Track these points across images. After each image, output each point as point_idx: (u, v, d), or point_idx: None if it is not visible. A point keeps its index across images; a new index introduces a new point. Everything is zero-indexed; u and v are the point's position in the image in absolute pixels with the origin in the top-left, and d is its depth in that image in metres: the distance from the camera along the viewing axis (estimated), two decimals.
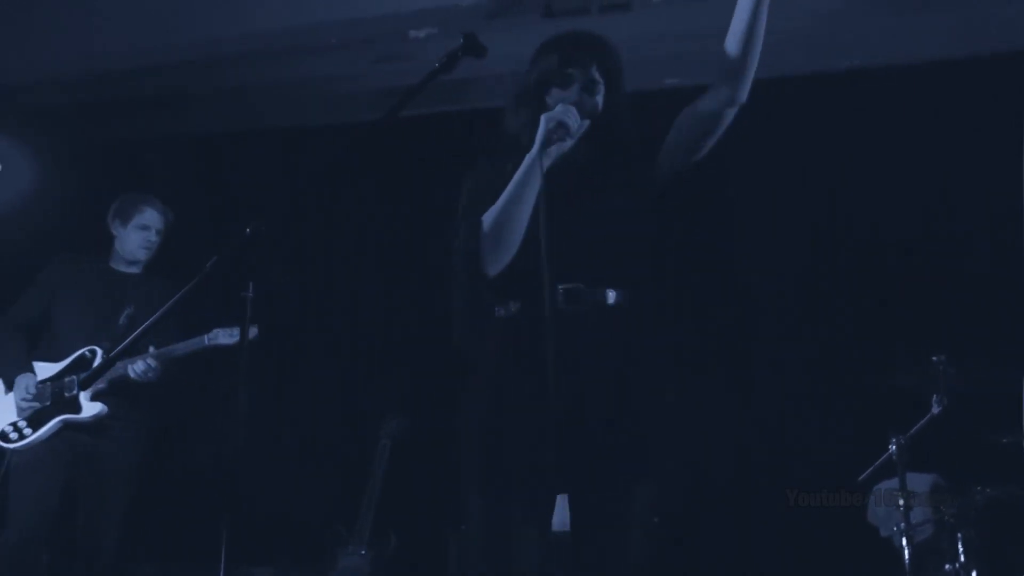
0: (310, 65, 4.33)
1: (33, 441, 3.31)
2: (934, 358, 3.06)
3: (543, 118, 1.85)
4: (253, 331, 3.30)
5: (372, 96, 4.27)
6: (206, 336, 3.32)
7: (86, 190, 4.88)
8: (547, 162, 1.84)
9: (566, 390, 1.78)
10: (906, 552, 2.97)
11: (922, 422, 3.09)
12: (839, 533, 3.46)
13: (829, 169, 4.10)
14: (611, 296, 1.90)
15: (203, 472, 4.21)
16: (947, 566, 2.99)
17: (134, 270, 3.56)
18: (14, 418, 3.34)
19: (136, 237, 3.52)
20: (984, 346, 3.52)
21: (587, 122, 1.90)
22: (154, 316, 1.77)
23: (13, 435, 3.32)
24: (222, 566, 1.71)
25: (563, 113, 1.84)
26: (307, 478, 4.48)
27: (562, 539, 1.77)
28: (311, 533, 4.11)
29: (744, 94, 1.91)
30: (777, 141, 4.12)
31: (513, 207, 1.86)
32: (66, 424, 3.33)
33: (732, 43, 1.87)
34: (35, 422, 3.32)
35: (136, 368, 3.27)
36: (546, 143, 1.83)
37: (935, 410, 3.06)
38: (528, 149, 1.87)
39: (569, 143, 1.87)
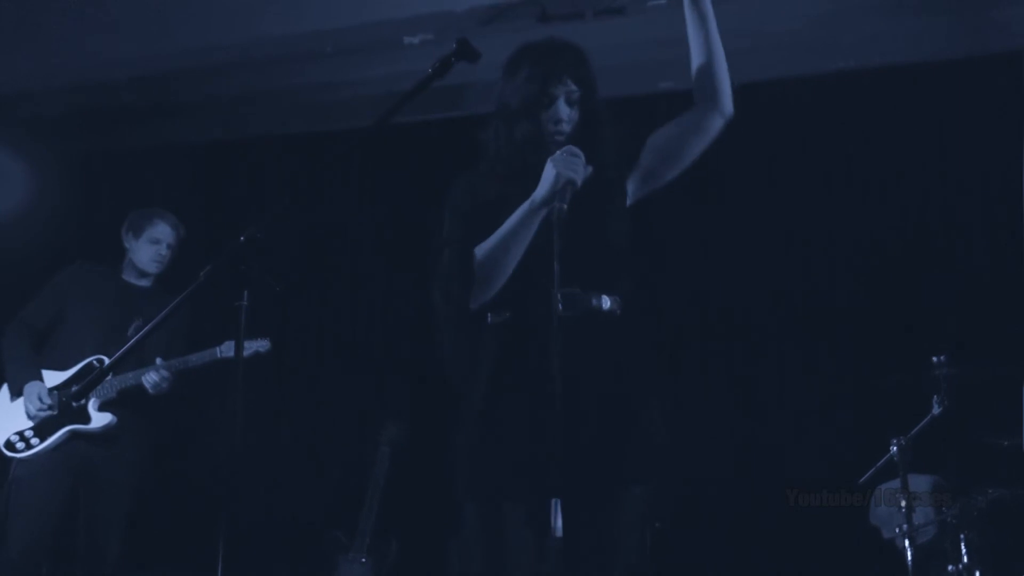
0: (306, 72, 4.34)
1: (40, 451, 3.29)
2: (934, 359, 3.05)
3: (550, 168, 1.83)
4: (265, 344, 3.32)
5: (368, 102, 4.27)
6: (218, 348, 3.34)
7: (83, 198, 4.89)
8: (544, 212, 1.85)
9: (561, 395, 1.78)
10: (909, 554, 2.96)
11: (923, 423, 3.08)
12: (842, 535, 3.45)
13: (826, 170, 4.09)
14: (606, 302, 1.91)
15: (202, 480, 4.20)
16: (950, 567, 2.98)
17: (145, 283, 3.57)
18: (21, 427, 3.31)
19: (148, 250, 3.53)
20: (984, 346, 3.51)
21: (590, 168, 1.90)
22: (147, 327, 1.77)
23: (20, 444, 3.30)
24: (219, 573, 1.70)
25: (571, 166, 1.83)
26: (307, 485, 4.48)
27: (559, 544, 1.77)
28: (312, 540, 4.10)
29: (727, 103, 1.99)
30: (774, 142, 4.12)
31: (506, 252, 1.88)
32: (73, 434, 3.32)
33: (694, 56, 1.98)
34: (42, 431, 3.30)
35: (150, 379, 3.27)
36: (551, 197, 1.82)
37: (936, 411, 3.05)
38: (518, 163, 1.89)
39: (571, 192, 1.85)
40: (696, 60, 1.99)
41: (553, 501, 1.70)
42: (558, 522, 1.74)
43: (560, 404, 1.74)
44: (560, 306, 1.82)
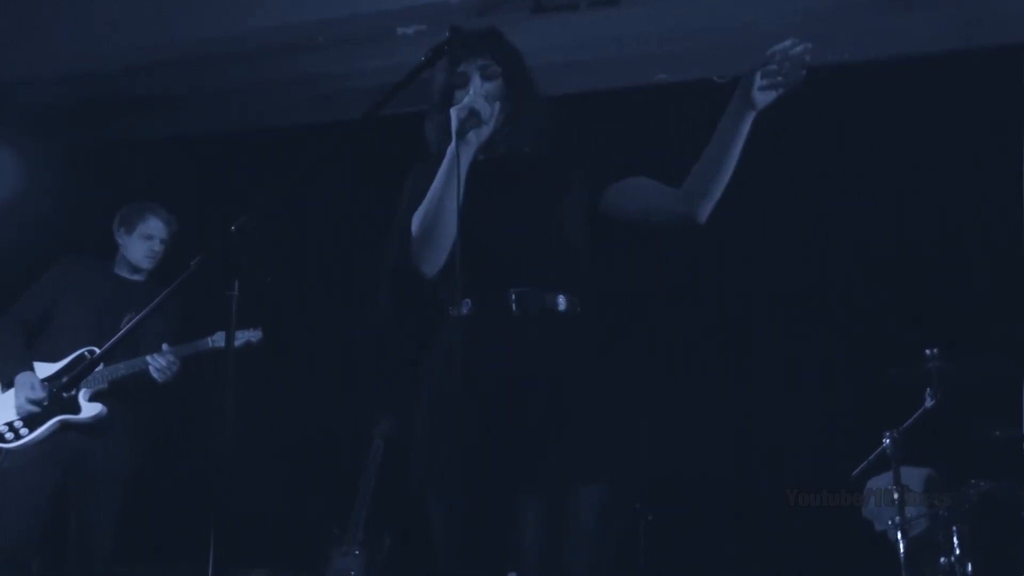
0: (299, 63, 4.32)
1: (30, 442, 3.27)
2: (927, 351, 3.05)
3: (452, 111, 1.84)
4: (257, 334, 3.31)
5: (361, 94, 4.25)
6: (210, 338, 3.33)
7: (74, 191, 4.87)
8: (468, 151, 1.84)
9: (513, 392, 1.80)
10: (901, 546, 2.96)
11: (915, 416, 3.08)
12: (834, 528, 3.46)
13: (822, 164, 4.09)
14: (561, 302, 1.89)
15: (195, 472, 4.19)
16: (942, 560, 2.98)
17: (137, 277, 3.55)
18: (10, 417, 3.29)
19: (140, 246, 3.51)
20: (977, 339, 3.52)
21: (497, 104, 1.90)
22: (137, 317, 1.75)
23: (9, 435, 3.28)
24: (210, 567, 1.70)
25: (471, 100, 1.85)
26: (300, 479, 4.47)
27: (519, 537, 1.78)
28: (305, 534, 4.10)
29: (704, 217, 1.90)
30: (768, 136, 4.10)
31: (437, 203, 1.85)
32: (63, 425, 3.30)
33: (702, 166, 1.88)
34: (32, 422, 3.28)
35: (157, 363, 3.26)
36: (461, 132, 1.82)
37: (928, 404, 3.06)
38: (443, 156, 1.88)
39: (487, 130, 1.87)
40: (705, 165, 1.88)
41: (513, 495, 1.72)
42: (520, 517, 1.76)
43: (511, 403, 1.77)
44: (514, 306, 1.85)
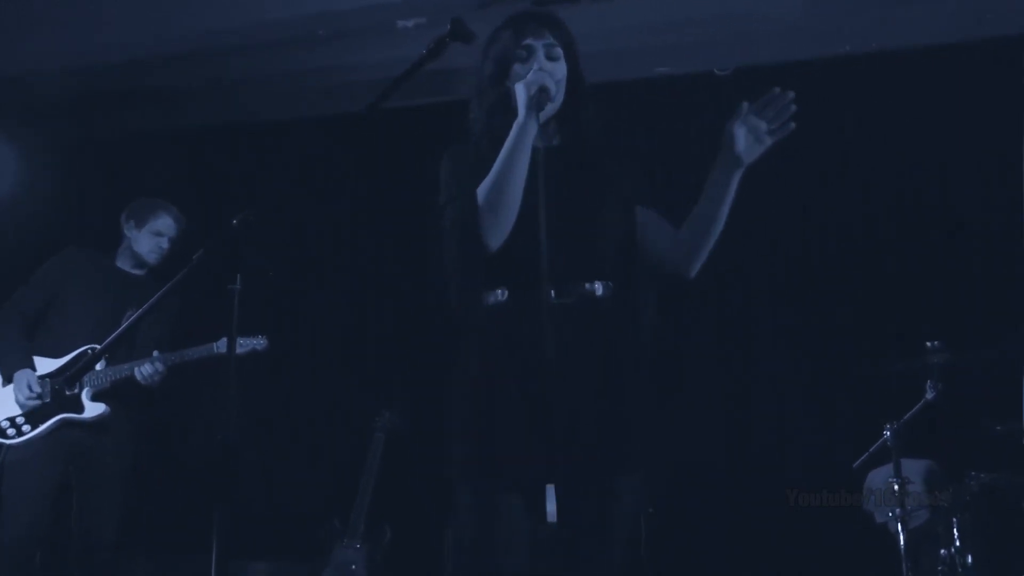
0: (299, 57, 4.31)
1: (31, 438, 3.29)
2: (928, 344, 3.05)
3: (520, 86, 1.83)
4: (262, 342, 3.32)
5: (362, 87, 4.24)
6: (215, 344, 3.34)
7: (75, 184, 4.87)
8: (534, 126, 1.82)
9: (553, 381, 1.76)
10: (901, 538, 2.97)
11: (916, 408, 3.08)
12: (834, 519, 3.46)
13: (823, 155, 4.08)
14: (599, 288, 1.88)
15: (199, 465, 4.20)
16: (942, 551, 2.99)
17: (139, 272, 3.56)
18: (12, 413, 3.31)
19: (148, 242, 3.52)
20: (978, 332, 3.52)
21: (562, 94, 1.90)
22: (138, 312, 1.75)
23: (11, 431, 3.29)
24: (213, 560, 1.70)
25: (541, 77, 1.84)
26: (302, 472, 4.48)
27: (553, 530, 1.76)
28: (306, 527, 4.11)
29: (693, 272, 1.96)
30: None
31: (507, 175, 1.82)
32: (65, 422, 3.31)
33: (693, 222, 1.93)
34: (34, 418, 3.30)
35: (144, 371, 3.27)
36: (531, 107, 1.81)
37: (929, 396, 3.06)
38: (499, 131, 1.86)
39: (551, 108, 1.87)
40: (696, 222, 1.94)
41: (547, 487, 1.70)
42: (551, 508, 1.74)
43: (553, 391, 1.74)
44: (553, 293, 1.82)
